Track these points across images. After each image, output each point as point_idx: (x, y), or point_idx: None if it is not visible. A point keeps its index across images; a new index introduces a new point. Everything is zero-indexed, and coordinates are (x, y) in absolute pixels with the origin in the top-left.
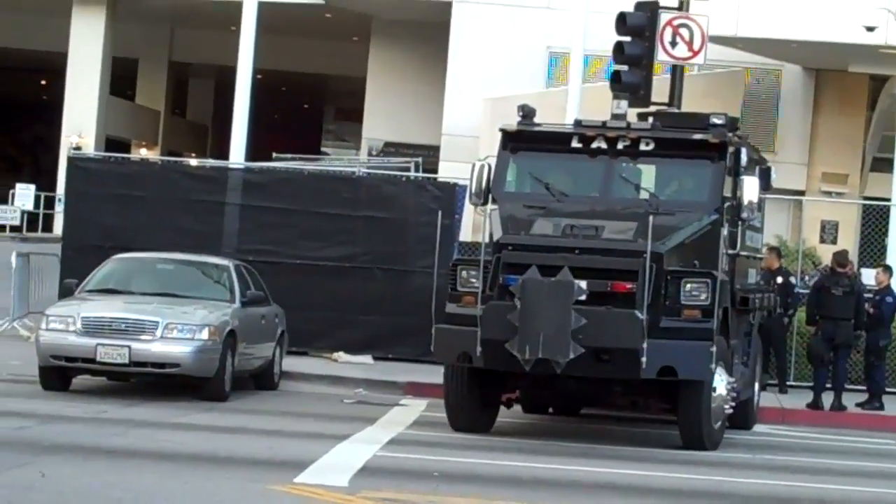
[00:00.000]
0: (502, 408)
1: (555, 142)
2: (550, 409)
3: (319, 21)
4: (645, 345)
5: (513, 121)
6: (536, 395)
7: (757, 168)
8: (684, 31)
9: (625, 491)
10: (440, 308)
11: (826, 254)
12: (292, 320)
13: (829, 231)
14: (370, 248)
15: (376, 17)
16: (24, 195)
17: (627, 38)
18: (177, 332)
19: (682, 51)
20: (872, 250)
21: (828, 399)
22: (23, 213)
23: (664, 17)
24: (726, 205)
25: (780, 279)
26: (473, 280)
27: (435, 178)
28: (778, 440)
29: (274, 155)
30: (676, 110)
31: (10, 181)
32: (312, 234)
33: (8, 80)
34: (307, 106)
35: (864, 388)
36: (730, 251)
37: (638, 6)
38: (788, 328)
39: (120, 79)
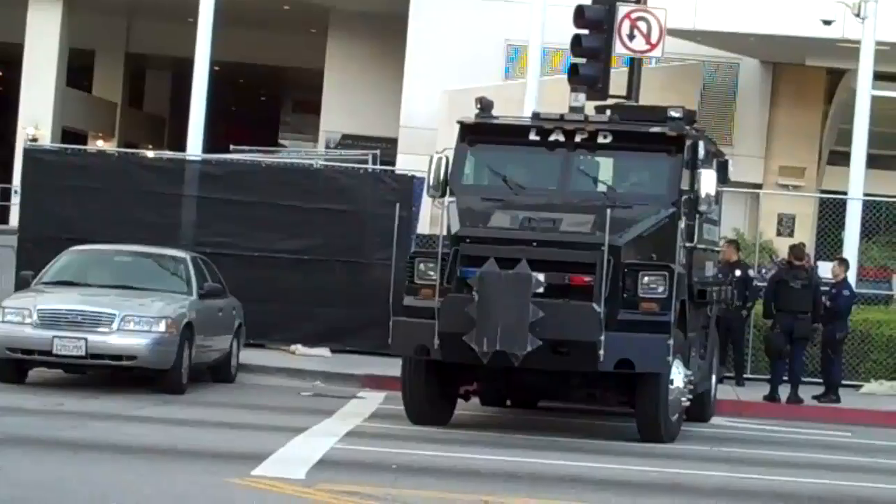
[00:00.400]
0: (460, 400)
1: (513, 134)
2: (508, 402)
3: (277, 13)
4: (602, 337)
5: (471, 113)
6: (494, 388)
7: (714, 161)
8: (642, 24)
9: (583, 483)
10: (398, 300)
11: (783, 247)
12: (250, 313)
13: (785, 224)
14: (328, 240)
15: (334, 8)
16: None
17: (585, 31)
18: (133, 325)
19: (639, 44)
20: (829, 243)
21: (784, 392)
22: None
23: (622, 10)
24: (684, 198)
25: (738, 272)
26: (431, 272)
27: (393, 171)
28: (735, 433)
29: (231, 147)
30: (634, 103)
31: None
32: (270, 227)
33: None
34: (265, 98)
35: (820, 380)
36: (687, 244)
37: None
38: (747, 321)
39: (76, 70)
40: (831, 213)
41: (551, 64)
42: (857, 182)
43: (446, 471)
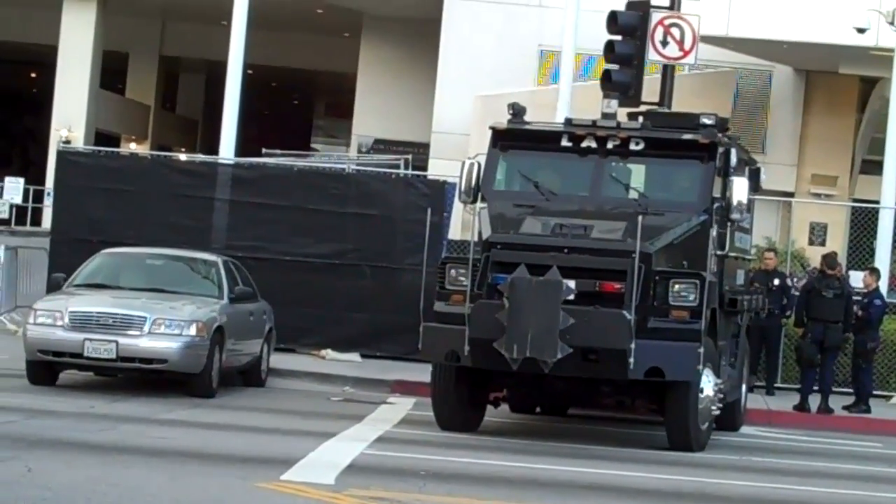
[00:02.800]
0: (490, 407)
1: (545, 140)
2: (538, 409)
3: (310, 16)
4: (633, 345)
5: (503, 119)
6: (524, 395)
7: (746, 169)
8: (675, 31)
9: (611, 492)
10: (428, 306)
11: (814, 256)
12: (280, 317)
13: (817, 233)
14: (359, 245)
15: (367, 13)
16: (13, 188)
17: (618, 37)
18: (164, 328)
19: (672, 50)
20: (861, 253)
21: (815, 401)
22: (11, 206)
23: (655, 17)
24: (715, 205)
25: (776, 281)
26: (462, 278)
27: (424, 176)
28: (765, 442)
29: (263, 151)
30: (667, 110)
31: None
32: (301, 231)
33: None
34: (297, 102)
35: (850, 390)
36: (718, 252)
37: (629, 5)
38: (783, 329)
39: (110, 72)
40: (863, 222)
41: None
42: (889, 191)
43: (475, 477)
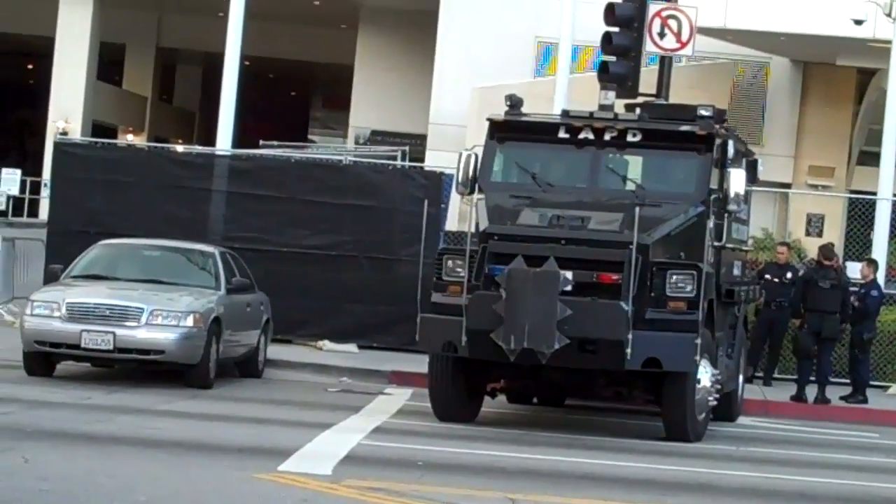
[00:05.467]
0: (487, 398)
1: (542, 132)
2: (535, 400)
3: (307, 8)
4: (630, 336)
5: (500, 110)
6: (521, 386)
7: (744, 160)
8: (673, 23)
9: (608, 482)
10: (426, 297)
11: (811, 247)
12: (277, 308)
13: (814, 224)
14: (356, 236)
15: (364, 4)
16: (10, 180)
17: (616, 29)
18: (161, 319)
19: (670, 42)
20: (858, 244)
21: (811, 392)
22: (8, 197)
23: (653, 8)
24: (713, 197)
25: (789, 274)
26: (459, 269)
27: (422, 167)
28: (761, 432)
29: (261, 142)
30: (664, 101)
31: None
32: (298, 222)
33: None
34: (294, 93)
35: (847, 381)
36: (716, 243)
37: None
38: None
39: (107, 64)
40: (860, 213)
41: (581, 63)
42: (886, 182)
43: (472, 468)
